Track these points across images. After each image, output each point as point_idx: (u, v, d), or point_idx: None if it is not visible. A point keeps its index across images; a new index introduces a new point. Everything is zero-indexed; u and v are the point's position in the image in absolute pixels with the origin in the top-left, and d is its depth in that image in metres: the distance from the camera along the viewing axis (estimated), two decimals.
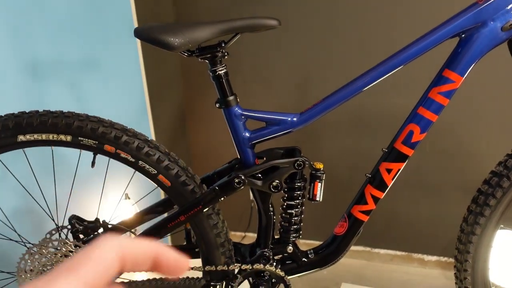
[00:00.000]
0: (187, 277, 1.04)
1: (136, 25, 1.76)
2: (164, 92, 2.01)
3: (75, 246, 1.01)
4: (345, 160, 1.88)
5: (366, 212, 1.02)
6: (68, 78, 1.47)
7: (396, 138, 0.97)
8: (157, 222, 0.99)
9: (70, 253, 1.00)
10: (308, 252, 1.07)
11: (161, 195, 1.93)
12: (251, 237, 2.19)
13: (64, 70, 1.44)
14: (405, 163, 0.97)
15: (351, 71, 1.73)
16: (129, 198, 1.70)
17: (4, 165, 1.00)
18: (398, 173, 0.98)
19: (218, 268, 1.01)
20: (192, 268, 1.03)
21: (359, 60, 1.73)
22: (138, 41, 1.78)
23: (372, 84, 0.95)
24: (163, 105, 2.01)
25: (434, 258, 1.92)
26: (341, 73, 1.77)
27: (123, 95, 1.74)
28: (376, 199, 1.00)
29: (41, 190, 1.06)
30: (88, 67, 1.55)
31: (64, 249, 1.00)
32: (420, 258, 1.95)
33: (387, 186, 0.99)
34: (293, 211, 1.02)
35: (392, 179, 0.98)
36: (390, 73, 0.94)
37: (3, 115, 0.93)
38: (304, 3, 1.74)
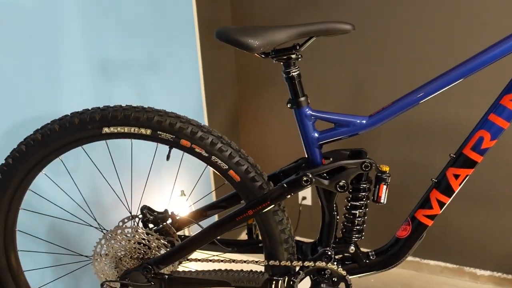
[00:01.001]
0: (251, 271, 1.07)
1: (197, 28, 1.84)
2: (219, 93, 2.08)
3: (147, 234, 1.07)
4: (396, 165, 1.87)
5: (431, 217, 1.02)
6: (133, 77, 1.55)
7: (465, 144, 0.98)
8: (225, 216, 1.03)
9: (143, 241, 1.06)
10: (370, 253, 1.08)
11: (213, 197, 1.99)
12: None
13: (130, 69, 1.52)
14: (474, 169, 0.98)
15: (407, 79, 1.74)
16: (184, 195, 1.77)
17: (88, 156, 1.08)
18: (466, 179, 0.99)
19: (281, 263, 1.04)
20: (256, 262, 1.07)
21: (417, 67, 1.73)
22: (198, 43, 1.86)
23: (442, 90, 0.96)
24: (218, 105, 2.07)
25: (487, 273, 1.88)
26: (397, 80, 1.78)
27: (182, 94, 1.81)
28: (441, 204, 1.01)
29: (120, 182, 1.14)
30: (151, 67, 1.63)
31: (137, 236, 1.06)
32: (472, 272, 1.91)
33: (454, 192, 1.00)
34: (357, 212, 1.04)
35: (460, 184, 0.99)
36: (461, 80, 0.95)
37: (90, 109, 1.00)
38: (360, 8, 1.76)
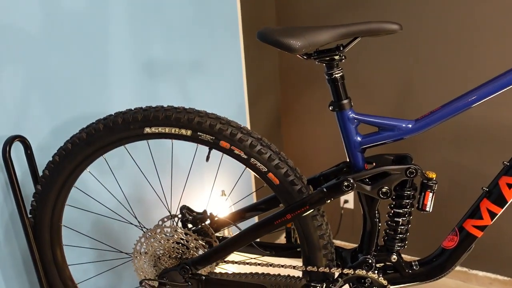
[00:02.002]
0: (288, 275, 1.06)
1: (241, 28, 1.84)
2: (262, 94, 2.07)
3: (186, 234, 1.07)
4: (445, 172, 1.80)
5: (480, 228, 0.97)
6: (177, 77, 1.57)
7: None
8: (264, 219, 1.02)
9: (181, 240, 1.07)
10: (413, 263, 1.04)
11: (253, 198, 1.98)
12: (338, 245, 2.17)
13: (174, 69, 1.54)
14: None
15: (456, 82, 1.66)
16: (225, 195, 1.77)
17: (130, 155, 1.10)
18: None
19: (319, 269, 1.02)
20: (294, 267, 1.05)
21: (466, 72, 1.65)
22: (242, 44, 1.86)
23: (495, 94, 0.90)
24: (260, 106, 2.06)
25: None
26: (445, 83, 1.70)
27: (225, 95, 1.82)
28: (492, 215, 0.95)
29: (160, 181, 1.15)
30: (195, 67, 1.64)
31: (176, 236, 1.07)
32: None
33: (507, 202, 0.94)
34: (400, 220, 1.00)
35: None
36: None
37: (132, 109, 1.02)
38: (409, 8, 1.70)
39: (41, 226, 1.08)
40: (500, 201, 0.94)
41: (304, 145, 2.17)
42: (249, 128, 1.96)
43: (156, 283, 1.09)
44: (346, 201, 2.12)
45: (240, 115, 1.93)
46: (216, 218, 1.14)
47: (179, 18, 1.52)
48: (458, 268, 1.89)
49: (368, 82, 1.87)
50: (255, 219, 1.72)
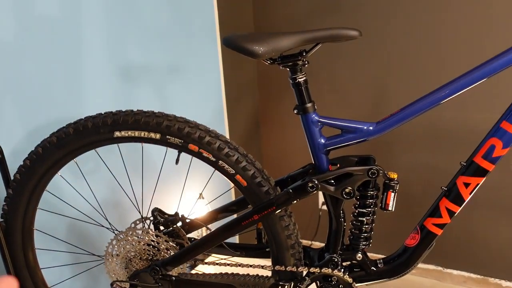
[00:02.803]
0: (257, 275, 1.08)
1: (218, 33, 1.86)
2: (240, 97, 2.10)
3: (156, 236, 1.09)
4: (418, 173, 1.84)
5: (440, 226, 1.00)
6: (154, 81, 1.58)
7: (476, 152, 0.95)
8: (232, 220, 1.04)
9: (152, 242, 1.09)
10: (378, 261, 1.07)
11: (232, 196, 2.00)
12: (317, 246, 2.20)
13: (151, 74, 1.56)
14: (485, 178, 0.95)
15: (428, 84, 1.71)
16: (203, 198, 1.79)
17: (101, 159, 1.11)
18: (477, 188, 0.96)
19: (287, 268, 1.04)
20: (262, 267, 1.07)
21: (438, 73, 1.69)
22: (219, 48, 1.88)
23: (452, 96, 0.94)
24: (238, 110, 2.09)
25: None
26: (418, 85, 1.74)
27: (203, 99, 1.84)
28: (451, 213, 0.99)
29: (130, 184, 1.17)
30: (172, 71, 1.66)
31: (146, 238, 1.09)
32: (497, 284, 1.84)
33: (464, 201, 0.97)
34: (364, 219, 1.03)
35: (470, 193, 0.96)
36: (472, 86, 0.93)
37: (103, 113, 1.04)
38: (382, 14, 1.74)
39: (13, 230, 1.09)
40: (458, 200, 0.98)
41: (282, 148, 2.20)
42: (228, 131, 2.00)
43: (127, 285, 1.10)
44: (324, 203, 2.14)
45: (219, 119, 1.95)
46: (187, 220, 1.16)
47: (156, 22, 1.54)
48: (433, 267, 1.94)
49: (344, 87, 1.91)
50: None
